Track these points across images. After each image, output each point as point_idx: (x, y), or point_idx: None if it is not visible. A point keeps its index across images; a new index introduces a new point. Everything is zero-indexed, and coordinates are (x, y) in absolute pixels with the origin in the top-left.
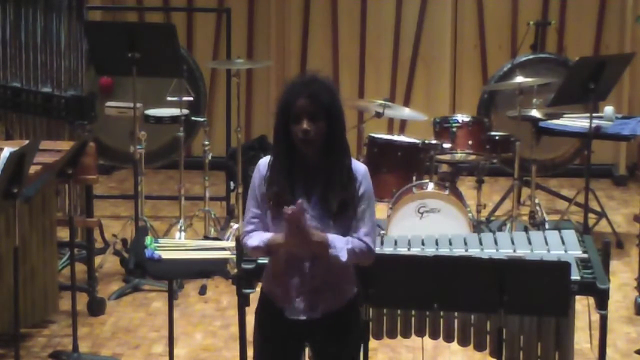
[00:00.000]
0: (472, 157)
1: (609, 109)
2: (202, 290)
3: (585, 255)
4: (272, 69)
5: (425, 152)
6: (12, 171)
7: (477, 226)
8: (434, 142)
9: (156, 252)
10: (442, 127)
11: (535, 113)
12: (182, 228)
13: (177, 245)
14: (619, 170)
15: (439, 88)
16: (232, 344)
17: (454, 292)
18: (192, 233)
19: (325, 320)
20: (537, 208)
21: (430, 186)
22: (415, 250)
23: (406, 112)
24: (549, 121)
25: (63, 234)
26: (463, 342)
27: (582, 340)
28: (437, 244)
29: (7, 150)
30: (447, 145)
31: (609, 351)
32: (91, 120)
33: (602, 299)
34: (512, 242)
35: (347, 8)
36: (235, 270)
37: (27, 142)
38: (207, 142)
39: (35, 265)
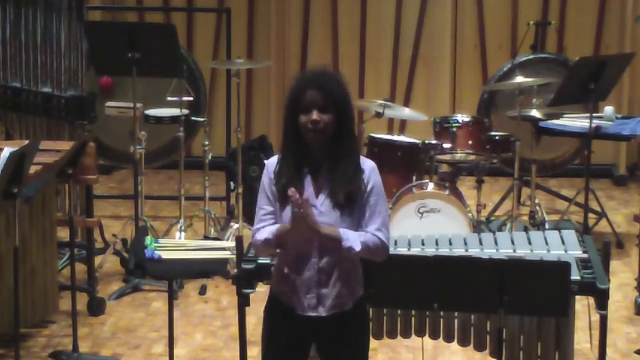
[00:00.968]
0: (472, 157)
1: (609, 109)
2: (202, 290)
3: (585, 255)
4: (272, 69)
5: (425, 152)
6: (12, 171)
7: (477, 226)
8: (434, 142)
9: (156, 252)
10: (442, 127)
11: (535, 113)
12: (182, 228)
13: (177, 245)
14: (619, 170)
15: (439, 88)
16: (232, 344)
17: (454, 292)
18: (192, 233)
19: (333, 321)
20: (537, 208)
21: (430, 186)
22: (415, 250)
23: (406, 112)
24: (549, 121)
25: (63, 234)
26: (463, 342)
27: (582, 340)
28: (437, 244)
29: (7, 150)
30: (447, 145)
31: (609, 351)
32: (91, 120)
33: (602, 299)
34: (512, 242)
35: (347, 8)
36: (235, 270)
37: (27, 142)
38: (207, 142)
39: (35, 265)
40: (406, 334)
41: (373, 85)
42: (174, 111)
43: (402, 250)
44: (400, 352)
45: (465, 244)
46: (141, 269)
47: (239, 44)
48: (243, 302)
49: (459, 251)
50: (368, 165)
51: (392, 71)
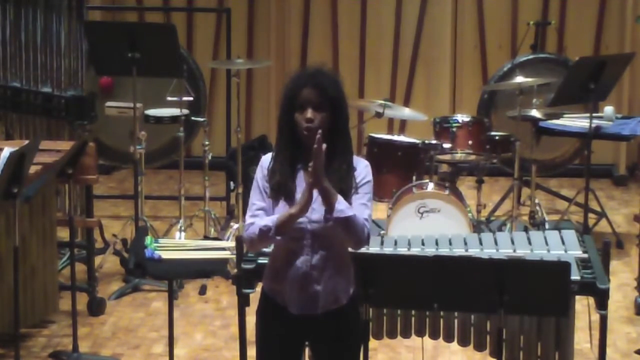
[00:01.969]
0: (472, 157)
1: (609, 109)
2: (202, 290)
3: (585, 255)
4: (272, 69)
5: (425, 152)
6: (12, 171)
7: (477, 226)
8: (434, 142)
9: (156, 252)
10: (442, 127)
11: (535, 113)
12: (182, 228)
13: (177, 245)
14: (619, 170)
15: (439, 88)
16: (232, 344)
17: (454, 292)
18: (192, 233)
19: (326, 320)
20: (537, 208)
21: (430, 186)
22: (415, 250)
23: (406, 112)
24: (549, 121)
25: (63, 234)
26: (463, 342)
27: (582, 340)
28: (437, 244)
29: (7, 150)
30: (447, 145)
31: (609, 351)
32: (91, 120)
33: (602, 299)
34: (512, 242)
35: (347, 8)
36: (235, 270)
37: (27, 142)
38: (207, 142)
39: (35, 265)
40: (406, 334)
41: (373, 85)
42: (174, 111)
43: (402, 250)
44: (400, 352)
45: (465, 244)
46: (141, 269)
47: (239, 44)
48: (243, 302)
49: (459, 251)
50: (361, 163)
51: (392, 71)
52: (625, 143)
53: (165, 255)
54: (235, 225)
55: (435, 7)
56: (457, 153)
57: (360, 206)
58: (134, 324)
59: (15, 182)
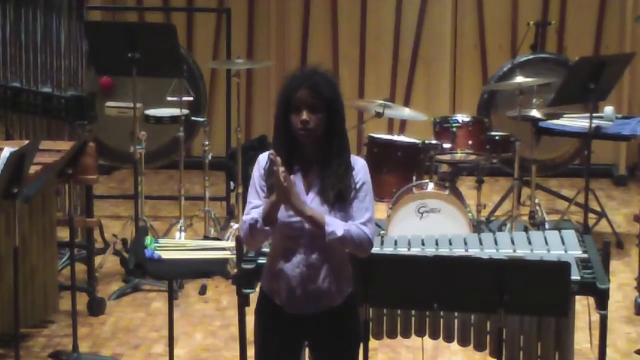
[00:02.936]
0: (472, 157)
1: (609, 109)
2: (202, 290)
3: (585, 255)
4: (272, 69)
5: (425, 152)
6: (12, 171)
7: (477, 226)
8: (434, 142)
9: (156, 252)
10: (442, 127)
11: (535, 113)
12: (182, 228)
13: (177, 245)
14: (619, 170)
15: (439, 88)
16: (232, 344)
17: (454, 292)
18: (192, 233)
19: (324, 319)
20: (537, 208)
21: (430, 186)
22: (415, 250)
23: (406, 112)
24: (549, 121)
25: (63, 234)
26: (463, 342)
27: (582, 340)
28: (437, 244)
29: (7, 150)
30: (447, 145)
31: (609, 351)
32: (91, 120)
33: (602, 299)
34: (512, 242)
35: (347, 8)
36: (235, 270)
37: (27, 142)
38: (207, 142)
39: (35, 265)
40: (406, 334)
41: (373, 85)
42: (174, 111)
43: (402, 250)
44: (400, 352)
45: (465, 244)
46: (141, 269)
47: (239, 44)
48: (243, 302)
49: (459, 251)
50: (359, 163)
51: (392, 71)
52: (625, 143)
53: (165, 255)
54: (235, 225)
55: (435, 7)
56: (457, 153)
57: (359, 210)
58: (134, 324)
59: (15, 182)
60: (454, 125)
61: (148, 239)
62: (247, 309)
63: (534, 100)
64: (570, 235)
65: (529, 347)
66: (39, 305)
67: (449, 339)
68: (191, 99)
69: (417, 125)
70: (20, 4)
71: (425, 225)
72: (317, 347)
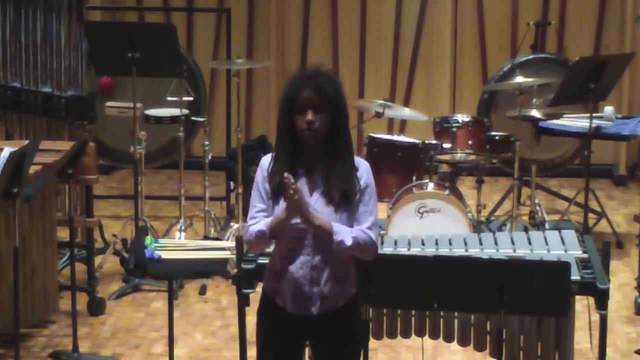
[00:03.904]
0: (472, 157)
1: (609, 109)
2: (202, 290)
3: (585, 255)
4: (272, 69)
5: (425, 152)
6: (12, 171)
7: (477, 226)
8: (434, 142)
9: (156, 252)
10: (442, 127)
11: (535, 113)
12: (182, 228)
13: (177, 245)
14: (619, 170)
15: (439, 88)
16: (232, 344)
17: (454, 292)
18: (192, 233)
19: (326, 320)
20: (537, 208)
21: (430, 186)
22: (415, 250)
23: (406, 112)
24: (549, 121)
25: (63, 234)
26: (463, 342)
27: (582, 340)
28: (437, 244)
29: (7, 150)
30: (447, 145)
31: (609, 351)
32: (91, 120)
33: (602, 299)
34: (512, 242)
35: (347, 8)
36: (235, 270)
37: (27, 142)
38: (207, 142)
39: (35, 265)
40: (406, 334)
41: (373, 85)
42: (174, 111)
43: (402, 250)
44: (400, 352)
45: (465, 244)
46: (141, 269)
47: (239, 44)
48: (243, 302)
49: (459, 251)
50: (363, 165)
51: (392, 71)
52: (625, 143)
53: (165, 255)
54: (235, 225)
55: (435, 7)
56: (457, 153)
57: (364, 213)
58: (134, 324)
59: (15, 182)
60: (454, 125)
61: (148, 239)
62: (247, 309)
63: (534, 100)
64: (570, 235)
65: (529, 347)
66: (39, 305)
67: (449, 339)
68: (191, 99)
69: (417, 125)
70: (20, 4)
71: (425, 225)
72: (319, 348)
